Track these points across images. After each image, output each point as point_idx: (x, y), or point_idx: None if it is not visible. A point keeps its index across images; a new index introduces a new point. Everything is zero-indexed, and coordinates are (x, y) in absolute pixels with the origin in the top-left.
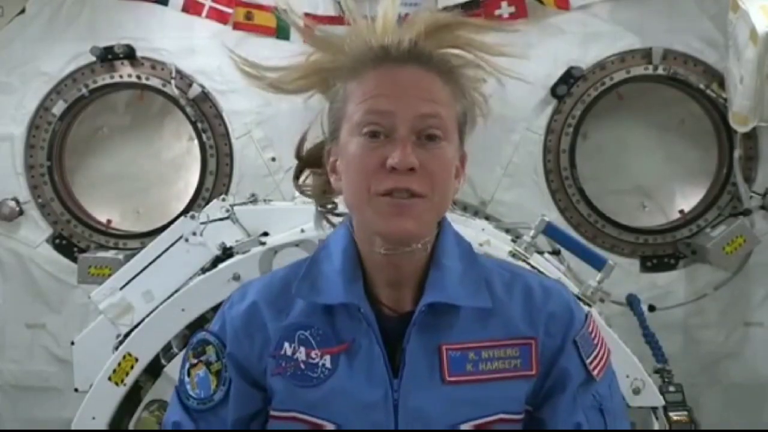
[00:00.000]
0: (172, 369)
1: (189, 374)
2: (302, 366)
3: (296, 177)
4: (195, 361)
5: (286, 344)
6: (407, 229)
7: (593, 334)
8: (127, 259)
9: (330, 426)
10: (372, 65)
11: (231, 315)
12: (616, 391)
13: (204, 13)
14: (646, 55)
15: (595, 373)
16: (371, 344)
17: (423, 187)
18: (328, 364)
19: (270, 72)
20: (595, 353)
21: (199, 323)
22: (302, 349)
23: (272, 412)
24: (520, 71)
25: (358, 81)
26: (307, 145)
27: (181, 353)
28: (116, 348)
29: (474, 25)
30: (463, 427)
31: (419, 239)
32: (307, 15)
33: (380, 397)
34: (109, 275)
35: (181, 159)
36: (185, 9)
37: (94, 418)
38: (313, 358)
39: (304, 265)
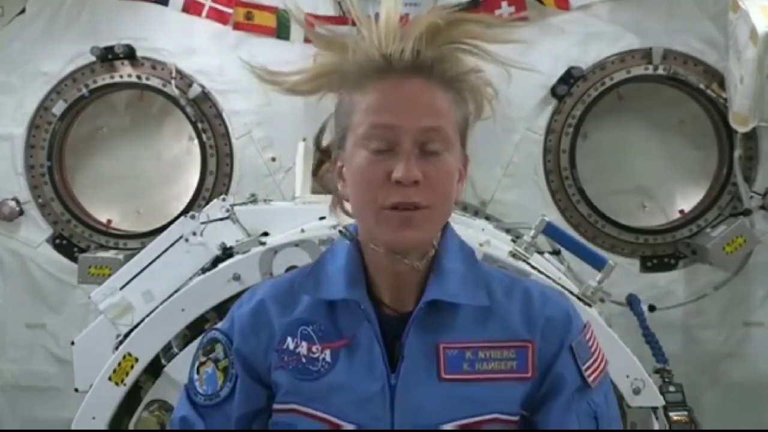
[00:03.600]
0: (172, 369)
1: (198, 372)
2: (303, 360)
3: (315, 171)
4: (204, 359)
5: (289, 339)
6: (412, 239)
7: (591, 343)
8: (127, 259)
9: (329, 418)
10: (375, 77)
11: (239, 313)
12: (612, 402)
13: (204, 13)
14: (646, 55)
15: (590, 380)
16: (371, 340)
17: (427, 198)
18: (328, 359)
19: (286, 77)
20: (591, 361)
21: (199, 323)
22: (304, 343)
23: (274, 406)
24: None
25: (362, 93)
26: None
27: (181, 353)
28: (116, 348)
29: (476, 21)
30: (458, 423)
31: (422, 246)
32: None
33: (377, 392)
34: (109, 275)
35: (181, 159)
36: (185, 9)
37: (94, 418)
38: (314, 353)
39: (311, 265)
